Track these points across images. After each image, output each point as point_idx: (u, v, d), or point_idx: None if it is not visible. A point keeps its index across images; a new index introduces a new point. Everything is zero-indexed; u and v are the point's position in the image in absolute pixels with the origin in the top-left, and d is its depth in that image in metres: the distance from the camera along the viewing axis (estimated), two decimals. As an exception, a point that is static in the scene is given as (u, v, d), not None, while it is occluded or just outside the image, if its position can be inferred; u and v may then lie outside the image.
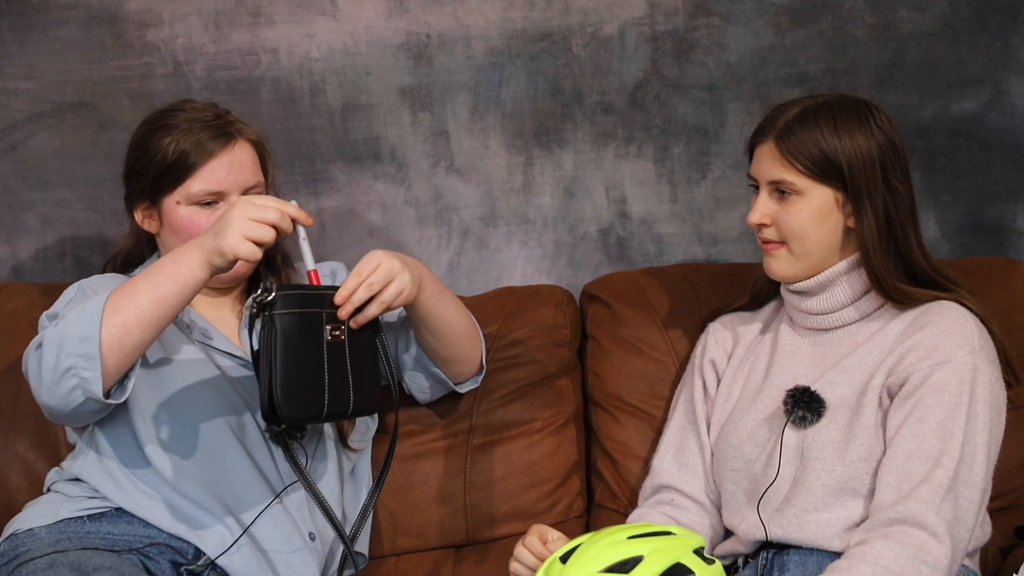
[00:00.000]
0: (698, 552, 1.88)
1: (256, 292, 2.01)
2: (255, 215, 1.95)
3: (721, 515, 2.19)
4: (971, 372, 2.01)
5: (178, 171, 2.20)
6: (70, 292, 2.22)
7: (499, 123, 2.73)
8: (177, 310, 2.00)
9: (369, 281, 2.04)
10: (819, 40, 2.72)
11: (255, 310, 1.98)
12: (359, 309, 2.05)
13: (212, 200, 2.21)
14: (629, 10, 2.71)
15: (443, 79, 2.72)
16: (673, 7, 2.71)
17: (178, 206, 2.21)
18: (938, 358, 2.02)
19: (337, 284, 2.24)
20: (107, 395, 2.01)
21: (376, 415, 2.37)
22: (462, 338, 2.28)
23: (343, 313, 2.03)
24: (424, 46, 2.71)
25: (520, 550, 2.03)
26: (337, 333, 2.02)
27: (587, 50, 2.71)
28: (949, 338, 2.03)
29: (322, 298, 2.02)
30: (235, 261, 1.96)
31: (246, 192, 2.23)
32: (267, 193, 2.28)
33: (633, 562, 1.83)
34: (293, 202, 2.01)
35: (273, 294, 1.97)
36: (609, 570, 1.83)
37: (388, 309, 2.08)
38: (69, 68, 2.70)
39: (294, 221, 1.99)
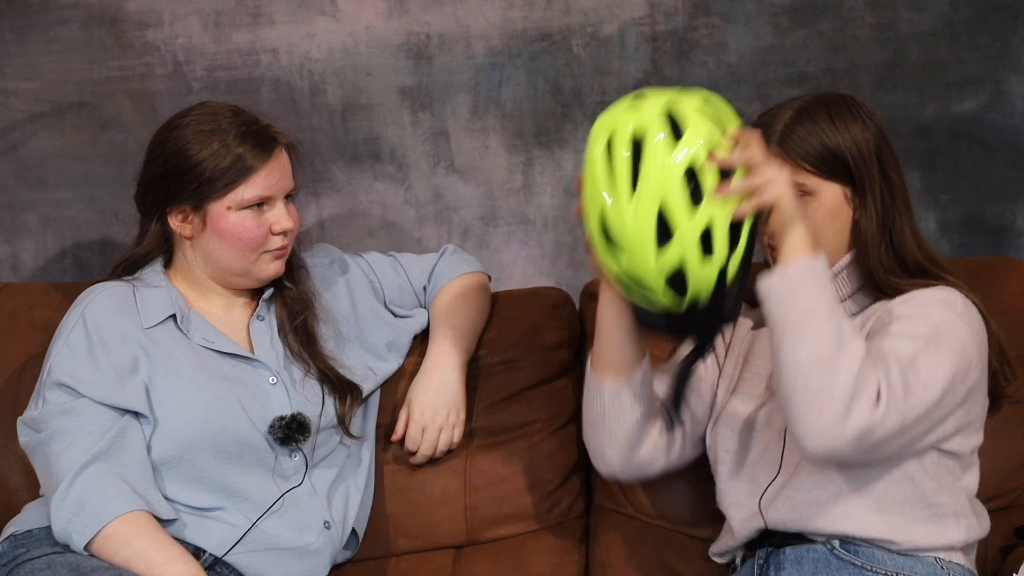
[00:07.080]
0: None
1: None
2: None
3: (691, 448, 2.23)
4: (949, 328, 1.99)
5: (231, 177, 2.17)
6: (71, 321, 2.19)
7: (499, 123, 2.73)
8: None
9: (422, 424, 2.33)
10: (819, 40, 2.72)
11: None
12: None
13: (261, 203, 2.21)
14: (629, 10, 2.71)
15: (443, 79, 2.72)
16: (673, 7, 2.71)
17: (228, 211, 2.19)
18: (915, 308, 2.02)
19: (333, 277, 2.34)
20: None
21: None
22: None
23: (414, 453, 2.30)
24: (424, 46, 2.71)
25: None
26: None
27: (587, 50, 2.71)
28: (932, 301, 2.03)
29: None
30: None
31: (287, 196, 2.24)
32: (294, 194, 2.29)
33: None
34: None
35: None
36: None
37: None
38: (69, 68, 2.70)
39: None
